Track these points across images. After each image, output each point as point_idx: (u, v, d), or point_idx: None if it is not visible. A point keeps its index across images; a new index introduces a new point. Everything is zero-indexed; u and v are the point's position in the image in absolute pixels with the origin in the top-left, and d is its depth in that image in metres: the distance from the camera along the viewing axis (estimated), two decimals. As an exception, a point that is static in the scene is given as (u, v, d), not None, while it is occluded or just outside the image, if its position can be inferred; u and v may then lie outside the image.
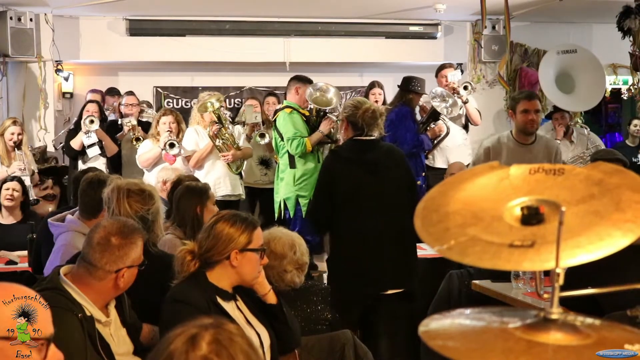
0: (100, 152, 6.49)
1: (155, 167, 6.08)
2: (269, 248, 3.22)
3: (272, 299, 2.86)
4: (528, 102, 4.85)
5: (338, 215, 4.13)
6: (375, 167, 4.14)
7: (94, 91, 7.69)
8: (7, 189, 5.51)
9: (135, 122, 6.74)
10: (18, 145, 6.12)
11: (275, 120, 5.76)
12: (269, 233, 3.34)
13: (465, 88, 6.62)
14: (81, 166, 6.43)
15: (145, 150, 6.17)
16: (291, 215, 5.52)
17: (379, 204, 4.11)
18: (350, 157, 4.15)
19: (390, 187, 4.15)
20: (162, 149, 6.01)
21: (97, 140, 6.44)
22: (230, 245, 2.72)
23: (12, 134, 6.11)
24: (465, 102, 6.61)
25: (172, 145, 5.98)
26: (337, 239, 4.27)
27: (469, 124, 6.95)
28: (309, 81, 5.83)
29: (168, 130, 6.05)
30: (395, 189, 4.15)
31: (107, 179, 3.80)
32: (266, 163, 6.62)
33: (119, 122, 6.86)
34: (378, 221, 4.09)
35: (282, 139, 5.59)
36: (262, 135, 6.25)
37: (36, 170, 6.31)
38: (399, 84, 6.19)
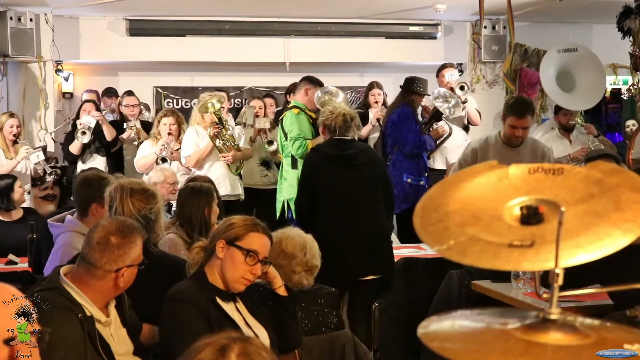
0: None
1: None
2: (279, 247, 3.21)
3: (283, 291, 2.96)
4: (518, 119, 4.71)
5: (319, 208, 4.39)
6: (353, 162, 4.43)
7: (89, 91, 7.68)
8: (20, 187, 5.52)
9: (139, 126, 6.70)
10: (18, 137, 6.30)
11: (282, 119, 5.76)
12: (282, 232, 3.33)
13: (462, 88, 6.60)
14: (81, 166, 6.44)
15: (143, 155, 6.16)
16: (294, 216, 5.50)
17: (358, 198, 4.40)
18: (330, 153, 4.47)
19: (367, 182, 4.46)
20: (157, 158, 5.99)
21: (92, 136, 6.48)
22: (224, 234, 2.77)
23: (12, 126, 6.28)
24: (464, 102, 6.60)
25: (163, 160, 5.97)
26: (318, 230, 4.28)
27: (469, 124, 6.94)
28: (319, 84, 5.82)
29: (164, 145, 5.97)
30: (371, 184, 4.48)
31: (105, 178, 3.80)
32: (267, 164, 6.62)
33: (124, 126, 6.79)
34: (357, 213, 4.36)
35: (287, 139, 5.59)
36: (270, 143, 6.32)
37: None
38: (402, 85, 6.17)
